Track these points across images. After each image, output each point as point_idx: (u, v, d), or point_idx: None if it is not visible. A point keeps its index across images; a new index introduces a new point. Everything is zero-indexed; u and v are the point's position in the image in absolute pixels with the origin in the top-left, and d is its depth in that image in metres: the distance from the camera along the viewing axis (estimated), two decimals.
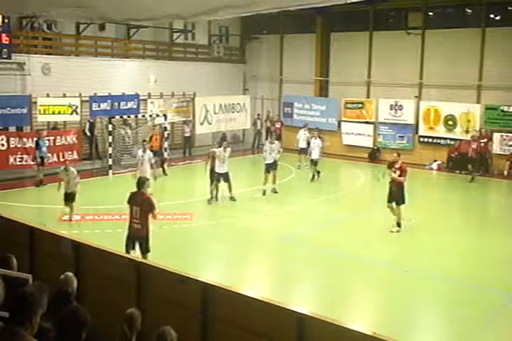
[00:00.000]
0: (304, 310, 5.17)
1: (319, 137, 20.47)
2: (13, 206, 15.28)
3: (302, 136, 22.69)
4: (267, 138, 27.90)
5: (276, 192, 17.81)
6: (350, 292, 10.78)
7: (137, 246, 10.22)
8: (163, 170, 20.58)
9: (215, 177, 16.41)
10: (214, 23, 27.23)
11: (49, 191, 18.04)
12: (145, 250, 10.12)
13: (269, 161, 17.76)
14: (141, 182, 10.28)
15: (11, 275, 5.09)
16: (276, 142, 18.53)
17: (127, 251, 9.78)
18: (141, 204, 10.02)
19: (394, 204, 13.92)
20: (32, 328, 3.79)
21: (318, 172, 20.16)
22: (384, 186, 20.84)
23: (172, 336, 4.67)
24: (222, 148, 16.62)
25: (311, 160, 20.12)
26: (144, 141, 18.01)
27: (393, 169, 13.81)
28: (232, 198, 16.67)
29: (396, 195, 13.84)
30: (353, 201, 18.32)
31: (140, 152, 16.59)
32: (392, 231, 13.77)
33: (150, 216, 10.11)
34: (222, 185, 16.61)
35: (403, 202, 13.90)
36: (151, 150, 20.47)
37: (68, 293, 5.49)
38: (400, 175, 13.75)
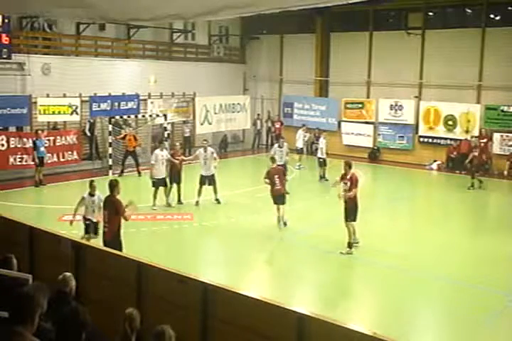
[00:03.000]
0: (304, 310, 5.18)
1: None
2: (13, 206, 15.29)
3: (301, 136, 22.80)
4: (267, 139, 28.18)
5: None
6: (350, 292, 10.79)
7: None
8: (138, 172, 20.50)
9: (201, 180, 16.17)
10: (214, 23, 27.23)
11: (49, 191, 18.07)
12: None
13: (280, 163, 17.69)
14: (112, 186, 10.08)
15: (11, 275, 5.09)
16: (285, 145, 18.41)
17: None
18: (108, 208, 10.06)
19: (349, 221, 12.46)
20: (32, 327, 3.80)
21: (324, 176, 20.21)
22: (383, 185, 20.96)
23: (170, 334, 4.66)
24: (202, 149, 16.46)
25: (319, 159, 20.08)
26: (162, 141, 17.53)
27: (345, 181, 12.40)
28: (217, 200, 16.35)
29: (349, 211, 12.37)
30: None
31: (158, 151, 16.15)
32: (341, 253, 12.20)
33: (118, 220, 10.03)
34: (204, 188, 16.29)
35: (354, 220, 12.40)
36: (127, 151, 20.63)
37: (67, 292, 5.49)
38: (350, 188, 12.21)
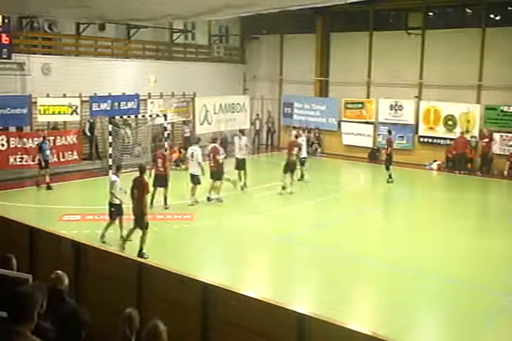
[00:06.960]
0: (304, 310, 5.17)
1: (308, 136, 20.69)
2: (13, 206, 15.29)
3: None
4: (267, 139, 28.23)
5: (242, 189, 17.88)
6: (350, 292, 10.78)
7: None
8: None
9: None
10: (214, 23, 27.24)
11: (49, 191, 18.02)
12: (139, 226, 11.78)
13: (240, 157, 18.09)
14: (143, 168, 12.10)
15: (11, 275, 5.09)
16: (244, 137, 18.60)
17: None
18: (138, 187, 11.78)
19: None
20: (31, 326, 3.80)
21: (302, 176, 19.61)
22: (383, 185, 20.91)
23: (162, 328, 4.61)
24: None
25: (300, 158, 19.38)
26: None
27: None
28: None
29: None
30: (353, 201, 18.32)
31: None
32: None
33: (144, 197, 11.81)
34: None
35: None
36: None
37: (62, 290, 5.51)
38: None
